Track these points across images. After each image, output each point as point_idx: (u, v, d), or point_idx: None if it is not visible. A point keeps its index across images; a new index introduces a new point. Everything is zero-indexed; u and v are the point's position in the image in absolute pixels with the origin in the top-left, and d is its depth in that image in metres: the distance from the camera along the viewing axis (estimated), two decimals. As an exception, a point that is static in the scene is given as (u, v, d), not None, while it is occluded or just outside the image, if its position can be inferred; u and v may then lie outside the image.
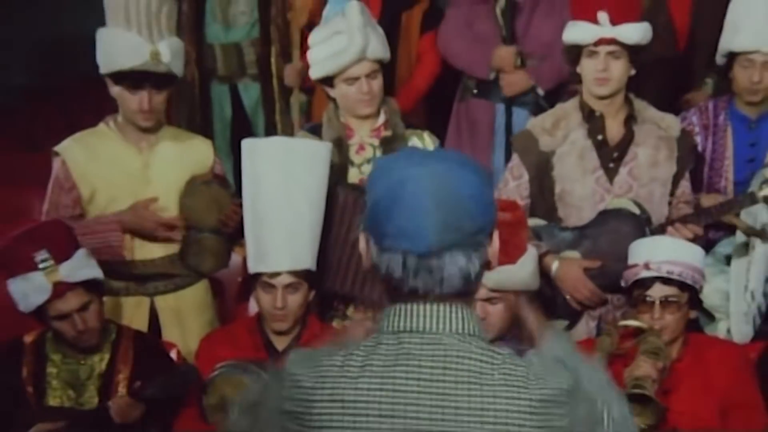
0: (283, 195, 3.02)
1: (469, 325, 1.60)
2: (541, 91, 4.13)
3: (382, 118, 3.36)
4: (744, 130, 3.62)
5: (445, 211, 1.55)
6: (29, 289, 2.87)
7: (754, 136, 3.61)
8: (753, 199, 3.30)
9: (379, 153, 3.32)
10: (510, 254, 2.73)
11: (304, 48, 3.88)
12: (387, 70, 3.40)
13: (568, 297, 3.32)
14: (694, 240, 3.21)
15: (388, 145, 3.31)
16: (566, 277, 3.28)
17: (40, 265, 2.86)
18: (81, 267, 2.92)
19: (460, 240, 1.57)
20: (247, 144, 3.14)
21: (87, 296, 2.91)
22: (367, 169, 3.30)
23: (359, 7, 3.25)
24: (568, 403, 1.57)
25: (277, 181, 3.03)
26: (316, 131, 3.39)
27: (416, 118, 4.07)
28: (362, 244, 1.62)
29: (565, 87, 3.93)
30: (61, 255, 2.89)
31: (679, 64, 4.33)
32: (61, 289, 2.87)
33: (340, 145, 3.32)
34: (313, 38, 3.35)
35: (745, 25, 3.50)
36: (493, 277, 2.46)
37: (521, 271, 2.84)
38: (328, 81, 3.30)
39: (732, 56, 3.57)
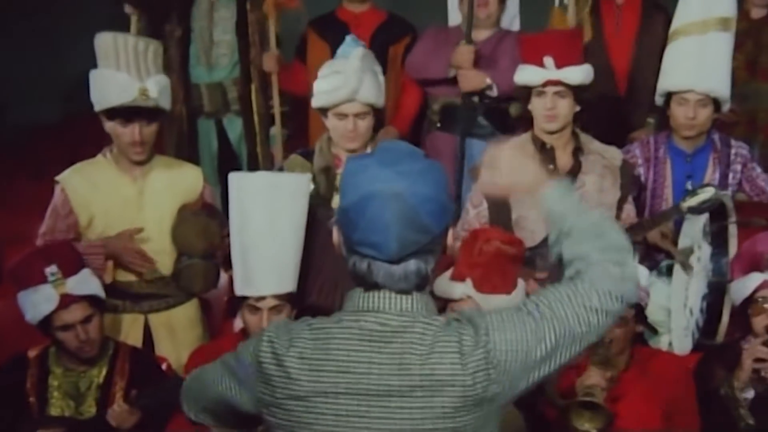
0: (268, 225, 3.04)
1: (416, 307, 1.72)
2: (494, 92, 4.18)
3: (368, 152, 3.42)
4: (681, 162, 3.69)
5: (405, 227, 1.67)
6: (39, 300, 2.95)
7: (690, 168, 3.69)
8: (678, 211, 3.40)
9: None
10: (507, 285, 2.89)
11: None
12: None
13: None
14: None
15: None
16: None
17: (50, 278, 2.95)
18: (86, 282, 3.01)
19: (418, 249, 1.70)
20: (234, 178, 3.16)
21: (90, 309, 2.99)
22: None
23: (361, 55, 3.32)
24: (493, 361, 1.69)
25: (263, 212, 3.05)
26: (308, 156, 3.45)
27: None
28: (335, 236, 1.75)
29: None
30: (69, 271, 2.98)
31: (625, 106, 4.42)
32: (67, 300, 2.94)
33: (328, 173, 3.37)
34: (320, 72, 3.41)
35: (680, 67, 3.60)
36: (493, 304, 2.58)
37: (515, 300, 2.91)
38: (324, 112, 3.38)
39: (669, 96, 3.65)
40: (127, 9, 4.30)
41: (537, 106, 3.42)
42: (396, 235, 1.66)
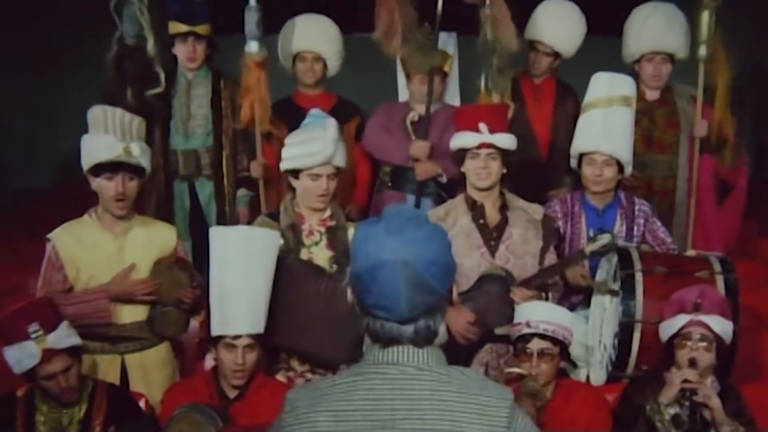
0: (244, 272, 3.05)
1: (432, 359, 1.68)
2: (444, 179, 4.20)
3: (328, 212, 3.41)
4: (594, 217, 3.72)
5: (414, 291, 1.63)
6: (23, 355, 2.90)
7: (601, 221, 3.69)
8: (582, 255, 3.43)
9: (324, 239, 3.36)
10: None
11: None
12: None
13: (456, 336, 3.35)
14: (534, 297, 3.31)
15: (332, 233, 3.37)
16: (450, 320, 3.32)
17: (32, 336, 2.88)
18: (65, 336, 2.95)
19: (427, 309, 1.67)
20: (215, 231, 3.17)
21: (69, 360, 2.95)
22: (315, 249, 3.35)
23: (336, 125, 3.36)
24: (512, 411, 1.66)
25: (240, 261, 3.05)
26: (274, 217, 3.43)
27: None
28: (349, 296, 1.71)
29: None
30: (49, 327, 2.92)
31: (546, 169, 4.47)
32: (48, 354, 2.89)
33: (294, 230, 3.36)
34: (292, 138, 3.40)
35: (588, 133, 3.69)
36: None
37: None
38: (295, 173, 3.35)
39: (580, 157, 3.72)
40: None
41: (471, 166, 3.46)
42: (406, 298, 1.63)
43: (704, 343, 2.99)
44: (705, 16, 4.13)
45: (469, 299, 3.36)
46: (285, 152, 3.38)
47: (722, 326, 3.01)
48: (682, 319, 3.01)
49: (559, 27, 4.37)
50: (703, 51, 4.17)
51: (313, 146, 3.29)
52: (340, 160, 3.35)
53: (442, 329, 2.99)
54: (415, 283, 1.62)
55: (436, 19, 4.13)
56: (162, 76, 4.20)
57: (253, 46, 4.11)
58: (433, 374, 1.66)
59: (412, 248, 1.63)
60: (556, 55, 4.41)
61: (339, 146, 3.34)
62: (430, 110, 4.22)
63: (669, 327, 3.05)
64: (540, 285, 3.38)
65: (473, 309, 3.35)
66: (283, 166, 3.39)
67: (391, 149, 4.31)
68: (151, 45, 4.15)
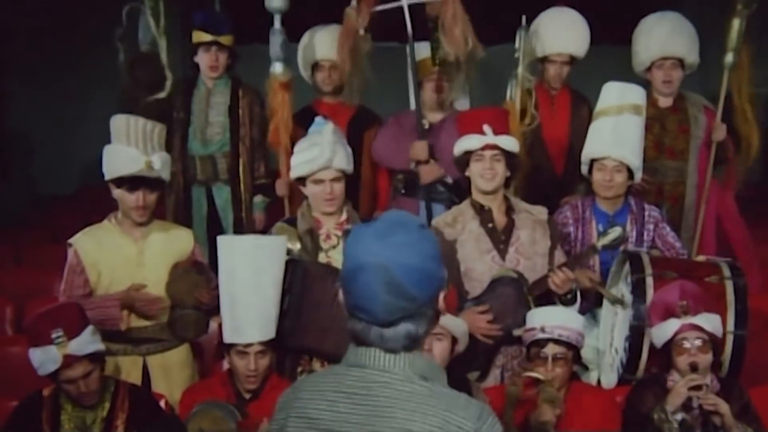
0: (253, 280, 3.07)
1: (398, 365, 1.65)
2: (449, 180, 4.19)
3: (344, 216, 3.44)
4: (605, 222, 3.72)
5: (391, 296, 1.62)
6: (45, 360, 2.93)
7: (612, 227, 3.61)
8: (594, 249, 3.44)
9: (342, 243, 3.35)
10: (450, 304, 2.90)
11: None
12: (353, 173, 3.52)
13: (479, 336, 3.32)
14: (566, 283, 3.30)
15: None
16: (467, 320, 3.28)
17: (55, 341, 2.91)
18: (87, 343, 2.97)
19: (406, 314, 1.64)
20: (222, 240, 3.19)
21: (90, 366, 2.98)
22: (332, 253, 3.37)
23: (333, 129, 3.38)
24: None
25: (248, 271, 3.07)
26: (291, 222, 3.46)
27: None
28: (340, 296, 1.70)
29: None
30: (72, 333, 2.94)
31: (561, 178, 4.47)
32: (69, 360, 2.92)
33: (312, 234, 3.38)
34: (296, 147, 3.46)
35: (599, 139, 3.73)
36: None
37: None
38: (302, 181, 3.41)
39: (591, 163, 3.76)
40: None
41: (476, 169, 3.45)
42: (383, 303, 1.62)
43: (701, 345, 3.01)
44: (736, 24, 4.17)
45: (483, 303, 3.34)
46: (291, 161, 3.44)
47: (712, 323, 3.04)
48: (674, 325, 3.02)
49: (569, 33, 4.39)
50: (729, 58, 4.21)
51: (313, 152, 3.32)
52: (341, 163, 3.34)
53: (462, 334, 3.09)
54: (392, 288, 1.60)
55: (408, 33, 4.13)
56: (169, 82, 4.25)
57: (278, 68, 4.14)
58: (395, 380, 1.63)
59: (393, 253, 1.61)
60: (572, 60, 4.44)
61: (339, 150, 3.34)
62: (424, 130, 4.21)
63: (662, 333, 3.06)
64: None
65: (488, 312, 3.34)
66: (291, 175, 3.46)
67: (394, 158, 4.34)
68: (163, 51, 4.23)
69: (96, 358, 2.99)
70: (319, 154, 3.31)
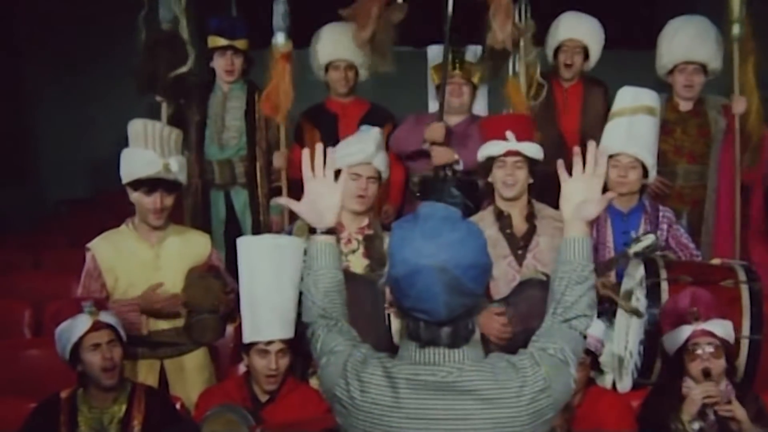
0: (273, 280, 3.08)
1: (467, 358, 1.73)
2: (460, 166, 4.19)
3: (366, 221, 3.44)
4: (619, 221, 3.73)
5: (452, 295, 1.67)
6: (75, 324, 3.03)
7: (626, 225, 3.71)
8: (626, 256, 3.44)
9: (362, 247, 3.37)
10: None
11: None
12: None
13: (491, 338, 3.32)
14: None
15: (369, 241, 3.39)
16: (481, 322, 3.28)
17: (86, 309, 3.05)
18: (113, 317, 3.12)
19: (464, 310, 1.70)
20: (242, 241, 3.21)
21: (114, 336, 3.08)
22: (351, 257, 3.35)
23: (379, 133, 3.47)
24: (548, 387, 1.74)
25: (268, 270, 3.10)
26: None
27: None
28: (388, 295, 1.77)
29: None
30: (101, 307, 3.10)
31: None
32: (98, 325, 3.04)
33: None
34: (340, 144, 3.44)
35: (614, 136, 3.71)
36: None
37: None
38: (337, 174, 3.42)
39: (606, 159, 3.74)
40: (158, 98, 4.40)
41: (498, 175, 3.48)
42: (444, 302, 1.66)
43: (713, 351, 3.01)
44: None
45: (509, 305, 3.34)
46: (335, 153, 3.46)
47: (724, 329, 3.04)
48: (686, 331, 3.03)
49: (582, 21, 4.50)
50: (736, 30, 4.17)
51: (354, 146, 3.38)
52: (381, 164, 3.40)
53: (476, 338, 3.07)
54: (453, 287, 1.64)
55: (446, 33, 4.15)
56: (192, 58, 4.30)
57: (279, 38, 4.19)
58: (470, 374, 1.70)
59: (448, 253, 1.64)
60: (585, 53, 4.47)
61: (380, 150, 3.42)
62: (443, 113, 4.23)
63: (674, 340, 3.07)
64: None
65: (515, 315, 3.33)
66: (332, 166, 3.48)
67: (409, 139, 4.34)
68: (183, 29, 4.29)
69: (119, 336, 3.08)
70: (361, 148, 3.37)
